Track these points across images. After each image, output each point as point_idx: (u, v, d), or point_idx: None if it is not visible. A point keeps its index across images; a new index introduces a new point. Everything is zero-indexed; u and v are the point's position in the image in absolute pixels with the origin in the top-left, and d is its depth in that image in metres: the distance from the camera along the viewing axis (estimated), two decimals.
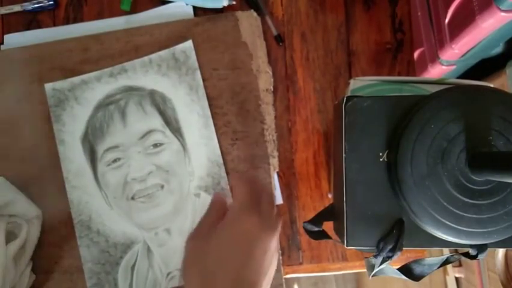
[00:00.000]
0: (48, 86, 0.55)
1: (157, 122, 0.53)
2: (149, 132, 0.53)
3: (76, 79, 0.55)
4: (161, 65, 0.54)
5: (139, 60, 0.54)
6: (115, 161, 0.53)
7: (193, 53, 0.54)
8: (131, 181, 0.53)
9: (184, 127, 0.54)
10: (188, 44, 0.54)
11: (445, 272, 0.94)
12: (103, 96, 0.54)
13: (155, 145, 0.53)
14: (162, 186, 0.53)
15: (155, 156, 0.53)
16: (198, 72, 0.54)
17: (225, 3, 0.56)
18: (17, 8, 0.59)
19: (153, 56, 0.54)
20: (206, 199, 0.53)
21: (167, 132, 0.53)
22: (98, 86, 0.55)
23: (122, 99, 0.54)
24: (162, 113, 0.54)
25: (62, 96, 0.55)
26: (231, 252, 0.39)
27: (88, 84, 0.55)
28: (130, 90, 0.54)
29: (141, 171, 0.53)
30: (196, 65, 0.54)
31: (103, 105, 0.54)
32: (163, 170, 0.53)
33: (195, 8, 0.57)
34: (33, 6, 0.58)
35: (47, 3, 0.58)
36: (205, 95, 0.53)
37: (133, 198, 0.53)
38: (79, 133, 0.54)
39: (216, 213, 0.43)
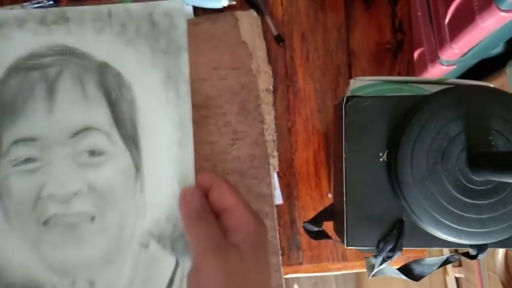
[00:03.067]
0: None
1: (101, 116, 0.36)
2: (86, 129, 0.36)
3: None
4: (126, 25, 0.36)
5: (93, 8, 0.36)
6: (26, 161, 0.35)
7: (184, 21, 0.37)
8: (46, 198, 0.35)
9: (143, 135, 0.36)
10: (178, 4, 0.37)
11: (445, 272, 0.94)
12: (24, 54, 0.36)
13: (93, 153, 0.35)
14: (93, 218, 0.36)
15: (89, 170, 0.36)
16: (185, 55, 0.36)
17: (225, 3, 0.56)
18: (17, 7, 0.58)
19: (116, 7, 0.36)
20: (157, 255, 0.36)
21: (115, 136, 0.36)
22: (18, 35, 0.36)
23: (54, 66, 0.36)
24: (112, 104, 0.36)
25: None
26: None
27: (2, 27, 0.36)
28: (68, 54, 0.36)
29: (64, 187, 0.35)
30: (185, 42, 0.36)
31: (22, 68, 0.36)
32: (97, 194, 0.36)
33: (194, 8, 0.57)
34: (33, 6, 0.58)
35: (47, 3, 0.58)
36: (189, 94, 0.37)
37: (46, 223, 0.36)
38: None
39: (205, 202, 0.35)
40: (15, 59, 0.36)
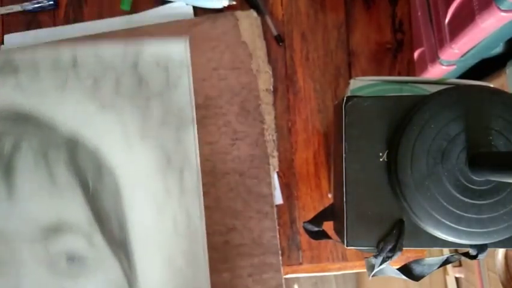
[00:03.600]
0: None
1: (77, 210, 0.25)
2: (59, 228, 0.25)
3: None
4: (99, 79, 0.25)
5: (50, 52, 0.24)
6: None
7: (187, 77, 0.26)
8: None
9: (135, 240, 0.26)
10: (179, 51, 0.26)
11: (445, 272, 0.94)
12: None
13: (71, 259, 0.26)
14: None
15: (68, 281, 0.26)
16: (192, 130, 0.26)
17: (225, 3, 0.56)
18: (17, 8, 0.59)
19: (83, 51, 0.25)
20: None
21: (97, 239, 0.26)
22: None
23: (7, 136, 0.26)
24: (90, 195, 0.25)
25: None
26: None
27: None
28: (23, 120, 0.25)
29: None
30: (191, 109, 0.25)
31: None
32: None
33: (194, 8, 0.57)
34: (33, 6, 0.58)
35: (47, 4, 0.58)
36: (198, 186, 0.26)
37: None
38: None
39: None
40: None
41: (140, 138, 0.26)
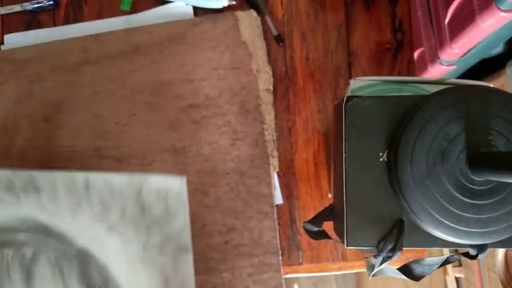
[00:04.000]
0: None
1: None
2: None
3: None
4: (109, 205, 0.28)
5: (66, 176, 0.29)
6: None
7: (185, 210, 0.29)
8: None
9: None
10: (175, 183, 0.29)
11: (445, 272, 0.94)
12: None
13: None
14: None
15: None
16: (189, 259, 0.29)
17: (225, 3, 0.56)
18: (17, 8, 0.59)
19: (95, 177, 0.29)
20: None
21: None
22: None
23: (29, 246, 0.29)
24: None
25: None
26: None
27: None
28: (43, 232, 0.29)
29: None
30: (188, 240, 0.29)
31: None
32: None
33: (194, 8, 0.57)
34: (33, 6, 0.58)
35: (47, 3, 0.58)
36: None
37: None
38: None
39: None
40: None
41: (141, 262, 0.28)
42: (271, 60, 0.56)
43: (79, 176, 0.28)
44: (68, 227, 0.28)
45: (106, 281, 0.28)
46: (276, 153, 0.55)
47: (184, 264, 0.28)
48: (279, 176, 0.56)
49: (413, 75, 0.55)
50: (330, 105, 0.56)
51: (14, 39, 0.58)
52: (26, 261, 0.28)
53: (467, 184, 0.31)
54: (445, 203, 0.31)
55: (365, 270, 0.35)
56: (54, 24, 0.59)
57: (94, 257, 0.28)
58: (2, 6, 0.59)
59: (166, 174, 0.29)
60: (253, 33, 0.55)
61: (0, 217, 0.29)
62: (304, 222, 0.40)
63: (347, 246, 0.34)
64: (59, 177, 0.29)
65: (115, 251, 0.28)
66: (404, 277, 0.34)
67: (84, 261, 0.28)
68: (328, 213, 0.40)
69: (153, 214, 0.28)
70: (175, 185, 0.29)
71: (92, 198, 0.28)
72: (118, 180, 0.29)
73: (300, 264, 0.56)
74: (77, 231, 0.28)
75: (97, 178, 0.29)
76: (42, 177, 0.29)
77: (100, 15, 0.58)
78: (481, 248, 0.32)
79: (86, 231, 0.28)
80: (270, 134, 0.54)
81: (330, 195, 0.55)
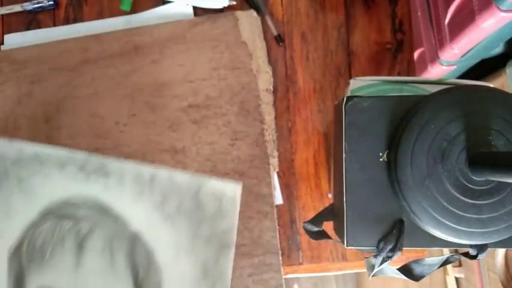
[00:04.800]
0: None
1: None
2: None
3: (27, 147, 0.34)
4: (168, 197, 0.32)
5: (135, 167, 0.32)
6: None
7: (235, 213, 0.32)
8: None
9: None
10: (231, 190, 0.33)
11: (445, 272, 0.94)
12: (59, 199, 0.33)
13: None
14: None
15: None
16: (230, 254, 0.32)
17: (225, 3, 0.56)
18: (17, 8, 0.59)
19: (161, 173, 0.32)
20: None
21: None
22: (57, 177, 0.33)
23: (86, 221, 0.33)
24: (139, 285, 0.32)
25: (0, 168, 0.33)
26: None
27: (44, 165, 0.33)
28: (102, 212, 0.32)
29: None
30: (232, 239, 0.32)
31: (55, 214, 0.33)
32: None
33: (194, 8, 0.57)
34: (33, 6, 0.58)
35: (47, 3, 0.58)
36: None
37: None
38: (10, 240, 0.33)
39: None
40: (50, 201, 0.33)
41: (187, 251, 0.31)
42: (271, 60, 0.56)
43: (147, 170, 0.32)
44: (126, 211, 0.32)
45: (149, 265, 0.31)
46: (276, 153, 0.55)
47: (225, 259, 0.31)
48: (279, 176, 0.56)
49: (413, 75, 0.55)
50: (330, 105, 0.56)
51: (14, 39, 0.58)
52: (81, 235, 0.32)
53: (467, 184, 0.31)
54: (445, 203, 0.31)
55: (365, 270, 0.35)
56: (54, 24, 0.59)
57: (144, 242, 0.31)
58: (2, 6, 0.59)
59: (224, 180, 0.32)
60: (253, 33, 0.55)
61: (67, 192, 0.32)
62: (304, 222, 0.40)
63: (347, 246, 0.34)
64: (128, 168, 0.32)
65: (165, 239, 0.31)
66: (404, 277, 0.34)
67: (134, 244, 0.31)
68: (328, 213, 0.40)
69: (206, 212, 0.31)
70: (230, 190, 0.32)
71: (154, 189, 0.32)
72: (180, 177, 0.32)
73: (300, 264, 0.56)
74: (133, 216, 0.32)
75: (163, 173, 0.32)
76: (114, 165, 0.32)
77: (100, 15, 0.58)
78: (481, 248, 0.32)
79: (142, 217, 0.31)
80: (270, 134, 0.54)
81: (330, 195, 0.55)
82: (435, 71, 0.48)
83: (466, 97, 0.32)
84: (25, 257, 0.33)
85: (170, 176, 0.32)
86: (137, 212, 0.32)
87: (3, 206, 0.33)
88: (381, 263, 0.33)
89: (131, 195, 0.32)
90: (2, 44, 0.59)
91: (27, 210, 0.33)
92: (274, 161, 0.54)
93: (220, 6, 0.56)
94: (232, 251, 0.31)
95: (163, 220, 0.32)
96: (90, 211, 0.33)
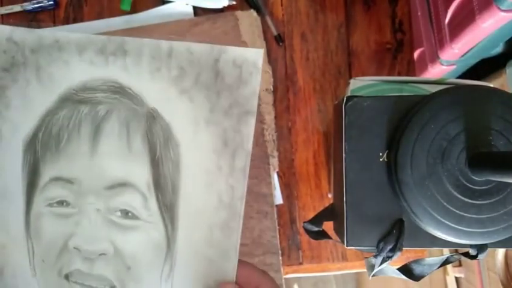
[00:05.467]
0: (3, 30, 0.32)
1: (141, 173, 0.31)
2: (123, 185, 0.32)
3: (48, 34, 0.32)
4: (186, 69, 0.31)
5: (152, 42, 0.32)
6: (60, 203, 0.32)
7: (257, 78, 0.31)
8: (73, 250, 0.32)
9: (183, 208, 0.32)
10: (254, 54, 0.31)
11: (445, 272, 0.94)
12: (78, 84, 0.32)
13: (125, 213, 0.32)
14: None
15: (118, 232, 0.32)
16: (252, 122, 0.31)
17: (225, 3, 0.56)
18: (17, 8, 0.59)
19: (179, 45, 0.32)
20: None
21: (152, 202, 0.32)
22: (76, 63, 0.32)
23: (104, 104, 0.32)
24: (155, 163, 0.31)
25: (19, 57, 0.32)
26: None
27: (63, 51, 0.32)
28: (120, 93, 0.32)
29: (91, 244, 0.32)
30: (254, 105, 0.31)
31: (74, 100, 0.32)
32: (122, 262, 0.32)
33: (194, 8, 0.57)
34: (33, 6, 0.58)
35: (47, 3, 0.58)
36: (246, 172, 0.31)
37: (67, 277, 0.33)
38: (25, 131, 0.32)
39: None
40: (68, 87, 0.32)
41: (206, 123, 0.31)
42: (271, 60, 0.56)
43: (164, 44, 0.31)
44: (144, 89, 0.31)
45: (167, 141, 0.31)
46: (276, 153, 0.55)
47: (246, 125, 0.30)
48: (279, 176, 0.56)
49: (413, 75, 0.55)
50: (330, 105, 0.56)
51: None
52: (98, 118, 0.32)
53: (467, 184, 0.31)
54: (445, 203, 0.31)
55: (365, 270, 0.35)
56: (55, 24, 0.59)
57: (161, 116, 0.31)
58: (2, 6, 0.59)
59: (246, 47, 0.31)
60: (253, 33, 0.55)
61: (85, 77, 0.32)
62: (304, 222, 0.40)
63: (347, 246, 0.34)
64: (146, 43, 0.31)
65: (182, 113, 0.30)
66: (404, 277, 0.34)
67: (151, 122, 0.31)
68: (328, 213, 0.40)
69: (226, 81, 0.31)
70: (251, 55, 0.30)
71: (171, 63, 0.31)
72: (199, 48, 0.31)
73: (300, 264, 0.56)
74: (151, 93, 0.31)
75: (181, 46, 0.31)
76: (132, 42, 0.32)
77: (100, 15, 0.58)
78: (481, 248, 0.32)
79: (160, 94, 0.30)
80: (270, 134, 0.54)
81: (330, 195, 0.55)
82: (435, 71, 0.48)
83: (466, 97, 0.32)
84: (40, 146, 0.32)
85: (189, 48, 0.31)
86: (155, 89, 0.31)
87: (20, 98, 0.32)
88: (381, 263, 0.33)
89: (149, 72, 0.31)
90: None
91: (45, 99, 0.32)
92: (274, 161, 0.54)
93: (220, 6, 0.56)
94: (254, 117, 0.30)
95: (180, 93, 0.31)
96: (107, 93, 0.32)
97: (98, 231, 0.32)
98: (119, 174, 0.31)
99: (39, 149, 0.32)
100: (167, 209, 0.32)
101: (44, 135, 0.32)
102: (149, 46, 0.32)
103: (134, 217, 0.32)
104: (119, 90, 0.32)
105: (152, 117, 0.31)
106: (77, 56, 0.32)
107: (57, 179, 0.32)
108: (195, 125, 0.31)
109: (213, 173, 0.31)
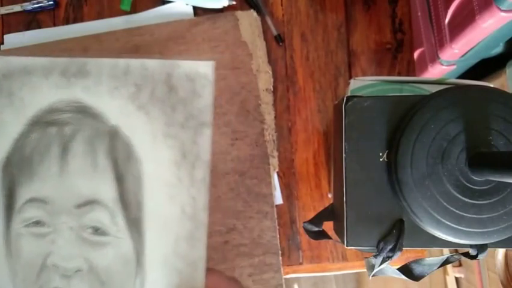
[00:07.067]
0: None
1: (107, 190, 0.33)
2: (91, 202, 0.33)
3: (15, 60, 0.34)
4: (141, 86, 0.32)
5: (111, 61, 0.33)
6: (36, 223, 0.33)
7: (210, 91, 0.33)
8: (51, 267, 0.33)
9: (148, 222, 0.33)
10: (205, 68, 0.33)
11: (445, 272, 0.94)
12: (46, 107, 0.33)
13: (96, 230, 0.33)
14: None
15: (91, 248, 0.33)
16: (207, 133, 0.32)
17: (225, 3, 0.56)
18: (17, 8, 0.59)
19: (135, 62, 0.33)
20: None
21: (119, 217, 0.33)
22: (44, 86, 0.33)
23: (70, 125, 0.33)
24: (119, 179, 0.33)
25: None
26: None
27: (32, 76, 0.33)
28: (83, 112, 0.33)
29: (67, 261, 0.33)
30: (209, 116, 0.32)
31: (42, 122, 0.33)
32: (96, 277, 0.33)
33: (194, 8, 0.57)
34: (33, 6, 0.58)
35: (47, 3, 0.58)
36: (206, 181, 0.32)
37: None
38: (0, 155, 0.34)
39: None
40: (38, 110, 0.34)
41: (163, 136, 0.32)
42: (271, 60, 0.56)
43: (122, 62, 0.32)
44: (105, 108, 0.33)
45: (129, 154, 0.32)
46: (276, 153, 0.55)
47: (202, 137, 0.31)
48: (279, 176, 0.56)
49: (413, 75, 0.55)
50: (330, 105, 0.56)
51: (14, 39, 0.58)
52: (65, 138, 0.33)
53: (467, 184, 0.31)
54: (445, 203, 0.31)
55: (365, 270, 0.35)
56: (54, 24, 0.59)
57: (122, 133, 0.32)
58: (2, 6, 0.59)
59: (196, 60, 0.32)
60: (253, 33, 0.55)
61: (52, 99, 0.33)
62: (304, 222, 0.40)
63: (347, 246, 0.34)
64: (105, 63, 0.32)
65: (141, 129, 0.32)
66: (404, 277, 0.34)
67: (113, 139, 0.32)
68: (328, 213, 0.40)
69: (180, 95, 0.32)
70: (202, 67, 0.32)
71: (128, 80, 0.32)
72: (152, 64, 0.32)
73: (300, 264, 0.56)
74: (112, 111, 0.32)
75: (136, 63, 0.32)
76: (93, 62, 0.33)
77: (100, 15, 0.58)
78: (481, 248, 0.32)
79: (119, 111, 0.32)
80: (270, 134, 0.54)
81: (330, 195, 0.55)
82: (435, 71, 0.48)
83: (466, 97, 0.32)
84: (15, 169, 0.34)
85: (143, 64, 0.32)
86: (115, 107, 0.32)
87: None
88: (381, 263, 0.33)
89: (108, 91, 0.33)
90: (2, 44, 0.59)
91: (17, 123, 0.33)
92: (274, 161, 0.54)
93: (220, 6, 0.56)
94: (210, 129, 0.31)
95: (137, 109, 0.32)
96: (72, 114, 0.33)
97: (72, 248, 0.33)
98: (87, 192, 0.33)
99: (14, 172, 0.33)
100: (134, 224, 0.32)
101: (18, 158, 0.33)
102: (108, 65, 0.33)
103: (104, 233, 0.32)
104: (83, 110, 0.33)
105: (114, 135, 0.32)
106: (44, 79, 0.33)
107: (32, 200, 0.33)
108: (153, 139, 0.32)
109: (174, 186, 0.32)
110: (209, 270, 0.33)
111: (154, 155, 0.32)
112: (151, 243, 0.33)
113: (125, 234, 0.33)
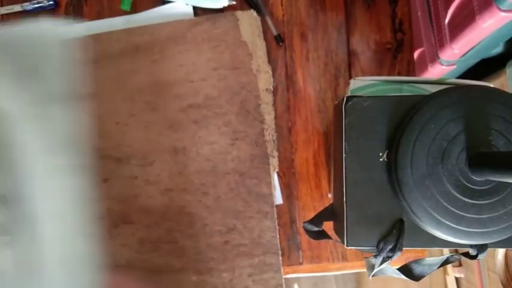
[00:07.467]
0: None
1: None
2: None
3: None
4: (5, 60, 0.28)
5: None
6: None
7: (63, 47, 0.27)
8: None
9: (34, 220, 0.28)
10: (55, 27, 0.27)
11: (445, 272, 0.94)
12: None
13: None
14: None
15: None
16: (76, 109, 0.28)
17: (225, 3, 0.56)
18: (17, 8, 0.59)
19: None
20: None
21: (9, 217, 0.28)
22: None
23: None
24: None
25: None
26: None
27: None
28: None
29: None
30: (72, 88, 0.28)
31: None
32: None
33: (194, 8, 0.57)
34: (33, 6, 0.58)
35: (47, 3, 0.58)
36: (90, 171, 0.28)
37: None
38: None
39: None
40: None
41: (33, 120, 0.27)
42: (271, 60, 0.56)
43: None
44: None
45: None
46: (276, 153, 0.55)
47: (70, 114, 0.26)
48: (279, 176, 0.56)
49: (413, 75, 0.55)
50: (330, 105, 0.56)
51: None
52: None
53: (467, 184, 0.31)
54: (445, 203, 0.31)
55: (365, 270, 0.35)
56: None
57: None
58: (2, 6, 0.59)
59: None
60: (253, 33, 0.55)
61: None
62: (304, 222, 0.40)
63: (347, 246, 0.34)
64: None
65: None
66: (404, 277, 0.34)
67: None
68: (328, 213, 0.40)
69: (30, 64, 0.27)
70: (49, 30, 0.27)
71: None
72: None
73: (300, 264, 0.56)
74: None
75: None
76: None
77: (100, 15, 0.58)
78: (481, 248, 0.32)
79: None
80: (270, 134, 0.54)
81: (330, 195, 0.55)
82: (435, 71, 0.48)
83: (466, 97, 0.32)
84: None
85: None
86: None
87: None
88: (381, 263, 0.33)
89: None
90: None
91: None
92: (274, 161, 0.54)
93: (220, 6, 0.56)
94: (68, 104, 0.27)
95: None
96: None
97: None
98: None
99: None
100: (19, 222, 0.28)
101: None
102: None
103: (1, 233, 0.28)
104: None
105: None
106: None
107: None
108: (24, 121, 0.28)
109: (55, 177, 0.28)
110: (116, 269, 0.30)
111: (23, 139, 0.27)
112: (44, 246, 0.29)
113: (19, 235, 0.28)
